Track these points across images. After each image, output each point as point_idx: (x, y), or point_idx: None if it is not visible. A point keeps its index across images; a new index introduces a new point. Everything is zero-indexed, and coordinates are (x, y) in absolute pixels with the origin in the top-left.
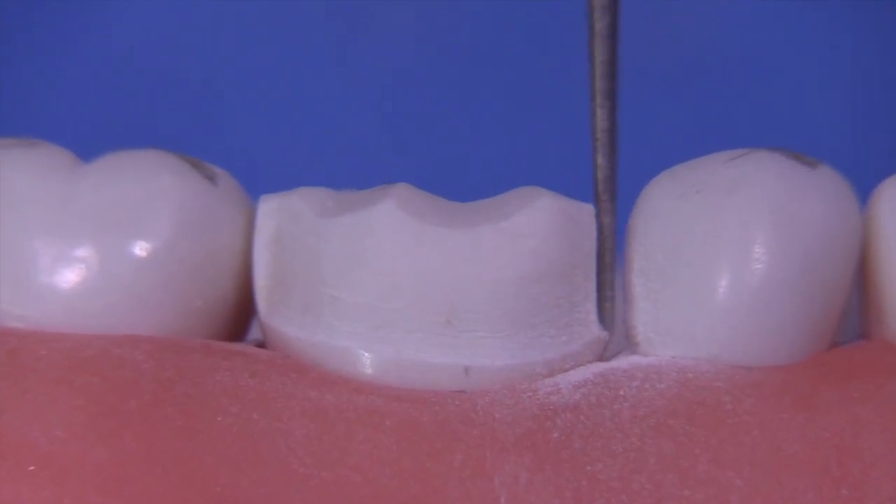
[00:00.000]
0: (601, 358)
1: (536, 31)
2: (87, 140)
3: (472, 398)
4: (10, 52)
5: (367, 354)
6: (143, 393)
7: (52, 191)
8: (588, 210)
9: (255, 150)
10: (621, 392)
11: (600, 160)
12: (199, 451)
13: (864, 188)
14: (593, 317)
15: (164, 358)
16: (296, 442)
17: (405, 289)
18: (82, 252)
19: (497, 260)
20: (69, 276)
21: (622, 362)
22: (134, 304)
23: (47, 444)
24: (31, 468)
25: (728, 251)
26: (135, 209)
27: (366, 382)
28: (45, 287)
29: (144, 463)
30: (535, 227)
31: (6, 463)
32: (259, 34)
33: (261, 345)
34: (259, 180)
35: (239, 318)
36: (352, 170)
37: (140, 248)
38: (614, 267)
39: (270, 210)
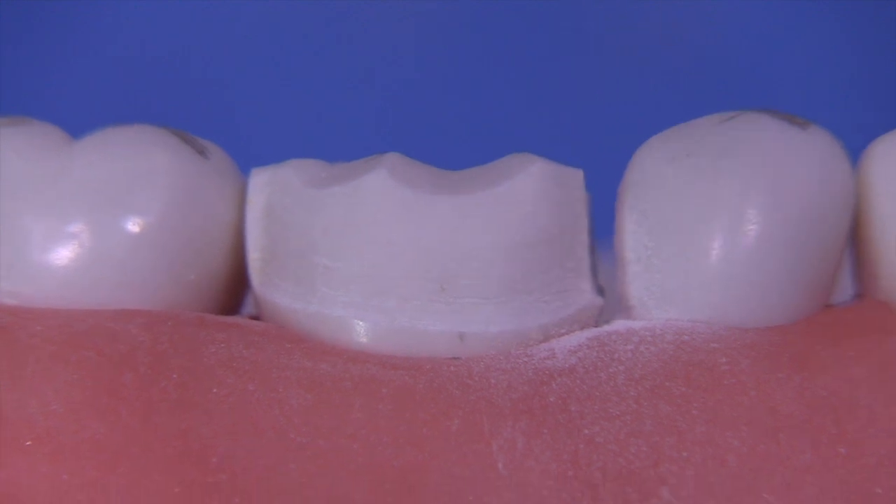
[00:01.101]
0: (596, 323)
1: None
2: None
3: (467, 364)
4: (10, 46)
5: (361, 323)
6: (138, 366)
7: (43, 168)
8: (578, 175)
9: (252, 136)
10: (617, 355)
11: None
12: (195, 423)
13: (854, 149)
14: (587, 282)
15: (158, 331)
16: (292, 411)
17: (398, 257)
18: (75, 228)
19: (490, 226)
20: (62, 253)
21: (617, 326)
22: (127, 279)
23: (44, 419)
24: (28, 443)
25: (721, 213)
26: (126, 184)
27: (361, 351)
28: (39, 264)
29: (142, 436)
30: (526, 193)
31: (3, 439)
32: (257, 23)
33: (256, 318)
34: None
35: (232, 291)
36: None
37: (132, 223)
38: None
39: (262, 182)
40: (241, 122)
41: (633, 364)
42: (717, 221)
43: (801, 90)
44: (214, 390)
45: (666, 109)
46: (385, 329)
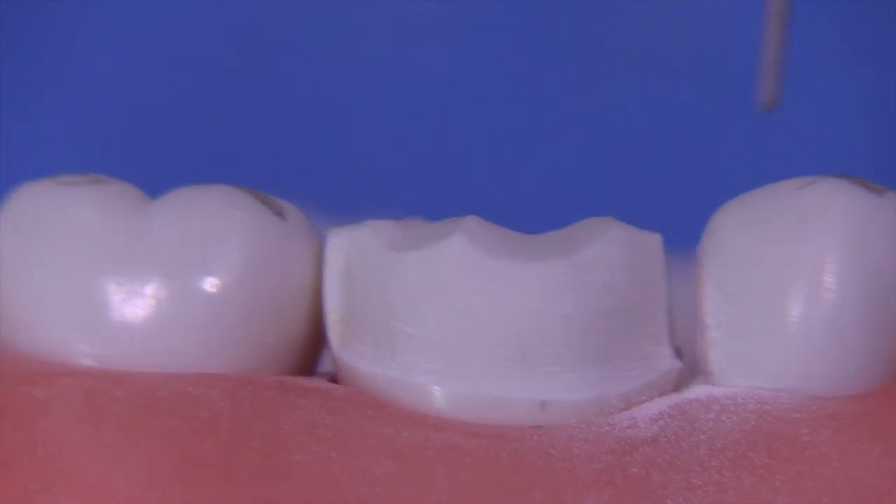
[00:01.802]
0: (675, 387)
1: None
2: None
3: (550, 433)
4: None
5: (442, 390)
6: (220, 433)
7: (121, 228)
8: (656, 240)
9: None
10: (698, 424)
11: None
12: (279, 492)
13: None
14: (667, 347)
15: (239, 396)
16: (375, 480)
17: (478, 324)
18: (153, 290)
19: (569, 294)
20: (141, 315)
21: (698, 393)
22: (206, 342)
23: (127, 488)
24: None
25: (800, 281)
26: (205, 246)
27: (442, 418)
28: (118, 326)
29: None
30: (605, 260)
31: None
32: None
33: (332, 378)
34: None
35: (309, 352)
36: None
37: (211, 285)
38: None
39: (340, 244)
40: (249, 129)
41: (714, 434)
42: (796, 288)
43: (802, 92)
44: (297, 458)
45: (668, 111)
46: (466, 396)
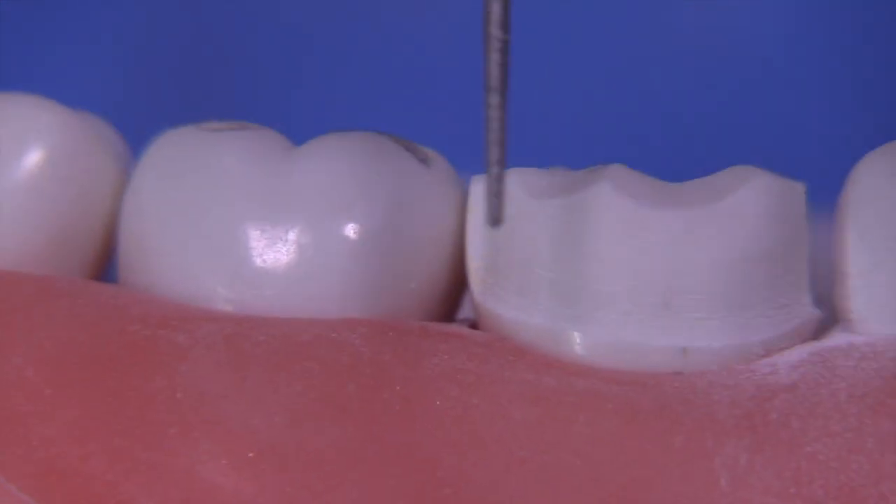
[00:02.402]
0: (815, 335)
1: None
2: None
3: (690, 379)
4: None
5: (584, 337)
6: (361, 377)
7: (265, 174)
8: (800, 189)
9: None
10: (838, 371)
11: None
12: (419, 436)
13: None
14: (807, 295)
15: (381, 341)
16: (516, 425)
17: (623, 271)
18: (296, 236)
19: (714, 241)
20: (284, 260)
21: (838, 341)
22: (349, 288)
23: (268, 430)
24: (251, 455)
25: None
26: (349, 192)
27: (583, 365)
28: (260, 271)
29: (366, 448)
30: (750, 207)
31: (227, 450)
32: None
33: (473, 324)
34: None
35: (450, 298)
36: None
37: (355, 231)
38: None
39: (483, 191)
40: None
41: (854, 381)
42: None
43: (802, 92)
44: (438, 402)
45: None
46: (608, 343)
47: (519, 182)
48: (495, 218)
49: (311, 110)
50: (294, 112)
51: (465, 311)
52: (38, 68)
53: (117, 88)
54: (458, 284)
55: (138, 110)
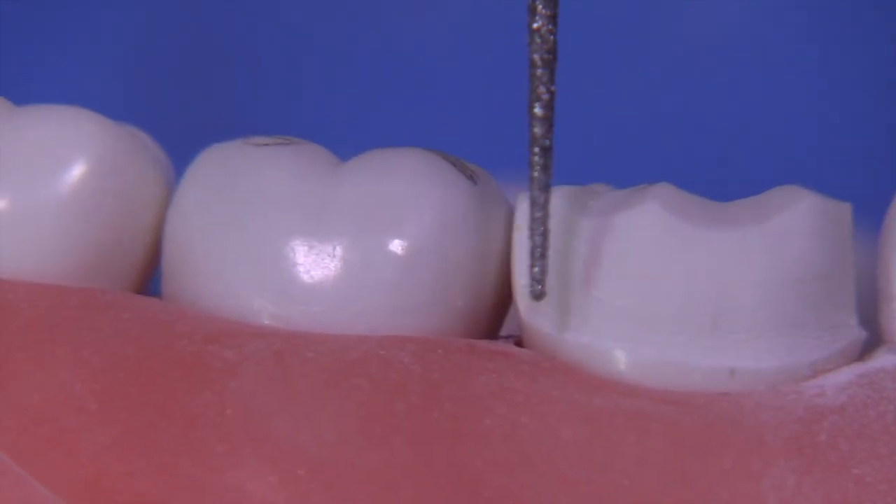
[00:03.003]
0: (860, 357)
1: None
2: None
3: (738, 400)
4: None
5: (632, 356)
6: (410, 395)
7: (312, 190)
8: (846, 208)
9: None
10: (886, 394)
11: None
12: (468, 455)
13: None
14: (854, 317)
15: (429, 359)
16: (565, 445)
17: (671, 291)
18: (345, 252)
19: (762, 262)
20: (332, 277)
21: (885, 362)
22: (397, 305)
23: (317, 448)
24: (301, 473)
25: None
26: (397, 209)
27: (631, 384)
28: (307, 287)
29: (415, 467)
30: (799, 228)
31: (276, 468)
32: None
33: (517, 341)
34: None
35: (495, 315)
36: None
37: (403, 248)
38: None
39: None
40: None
41: None
42: None
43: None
44: (487, 421)
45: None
46: (655, 363)
47: (566, 200)
48: (538, 294)
49: (311, 109)
50: (294, 112)
51: (507, 328)
52: (38, 68)
53: (117, 88)
54: (503, 301)
55: (138, 110)
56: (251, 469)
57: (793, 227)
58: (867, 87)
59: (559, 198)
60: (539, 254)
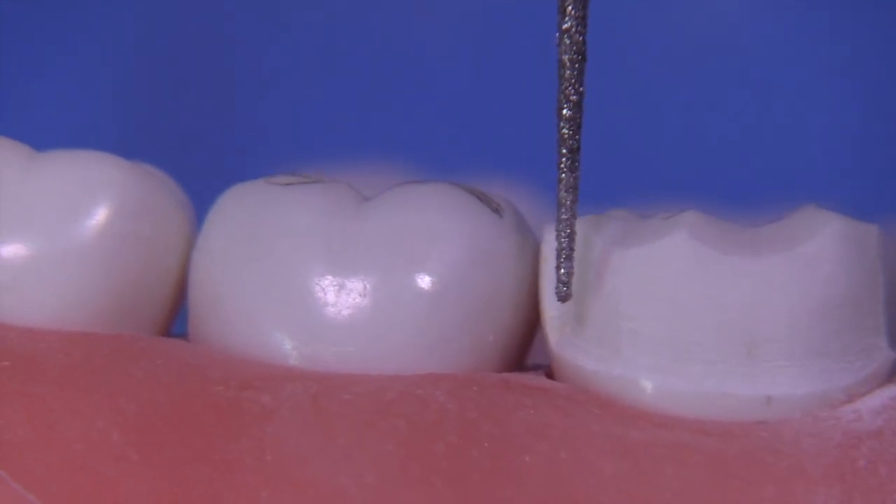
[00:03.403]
0: (890, 378)
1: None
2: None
3: (776, 429)
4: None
5: (667, 387)
6: (449, 434)
7: (339, 227)
8: (874, 231)
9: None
10: None
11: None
12: (509, 493)
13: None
14: (884, 339)
15: (465, 397)
16: (606, 480)
17: (704, 320)
18: (373, 290)
19: (793, 288)
20: (362, 315)
21: None
22: (427, 342)
23: (358, 490)
24: None
25: None
26: (425, 244)
27: (669, 416)
28: (338, 327)
29: None
30: (828, 253)
31: None
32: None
33: (547, 373)
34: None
35: (523, 348)
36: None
37: (432, 284)
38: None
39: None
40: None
41: None
42: None
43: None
44: (526, 459)
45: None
46: (691, 393)
47: (595, 231)
48: (563, 296)
49: (311, 112)
50: (294, 114)
51: (532, 357)
52: (38, 68)
53: (118, 88)
54: (530, 333)
55: (138, 110)
56: None
57: (821, 253)
58: (867, 87)
59: (586, 227)
60: (566, 256)
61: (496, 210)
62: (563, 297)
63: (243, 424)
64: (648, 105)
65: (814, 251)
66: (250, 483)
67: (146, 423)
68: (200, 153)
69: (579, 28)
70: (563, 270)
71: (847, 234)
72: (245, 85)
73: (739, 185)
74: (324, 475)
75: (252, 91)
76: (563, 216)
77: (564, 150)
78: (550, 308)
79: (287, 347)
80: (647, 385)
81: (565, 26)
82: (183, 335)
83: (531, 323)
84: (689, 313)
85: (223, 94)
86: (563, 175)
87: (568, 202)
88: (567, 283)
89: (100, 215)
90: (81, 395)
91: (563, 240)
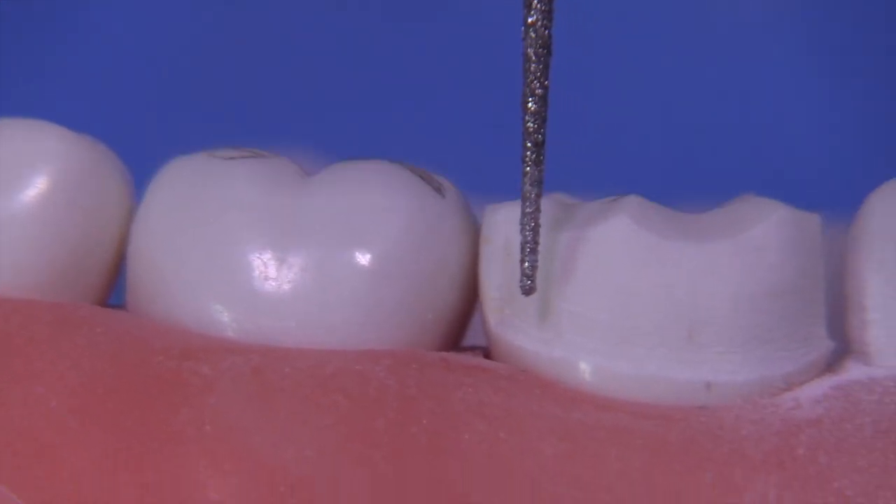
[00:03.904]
0: (827, 367)
1: None
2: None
3: (717, 414)
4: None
5: (608, 370)
6: (388, 411)
7: (281, 203)
8: (816, 220)
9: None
10: (861, 406)
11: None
12: (448, 471)
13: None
14: (824, 328)
15: (405, 374)
16: (546, 461)
17: (645, 304)
18: (315, 265)
19: (736, 274)
20: (302, 290)
21: (857, 374)
22: (369, 319)
23: (298, 465)
24: (283, 489)
25: None
26: (366, 222)
27: (609, 399)
28: (278, 301)
29: (396, 484)
30: (772, 241)
31: (259, 485)
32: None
33: (485, 353)
34: None
35: (459, 326)
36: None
37: (373, 261)
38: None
39: (498, 221)
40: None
41: (878, 416)
42: None
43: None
44: (466, 437)
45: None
46: (632, 377)
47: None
48: (527, 289)
49: (312, 115)
50: (294, 116)
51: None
52: (38, 68)
53: (117, 89)
54: (467, 314)
55: (138, 110)
56: (234, 486)
57: (765, 240)
58: (867, 87)
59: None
60: (530, 249)
61: (438, 189)
62: (526, 291)
63: (184, 395)
64: (616, 99)
65: (759, 238)
66: (190, 453)
67: (87, 390)
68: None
69: (545, 22)
70: (527, 264)
71: (791, 223)
72: (244, 85)
73: (704, 176)
74: (264, 448)
75: (249, 91)
76: (528, 209)
77: (529, 144)
78: (490, 289)
79: (226, 320)
80: (588, 367)
81: (531, 20)
82: (119, 306)
83: (470, 303)
84: (631, 297)
85: (223, 94)
86: (528, 168)
87: (532, 196)
88: (531, 277)
89: (41, 184)
90: (21, 361)
91: (527, 233)
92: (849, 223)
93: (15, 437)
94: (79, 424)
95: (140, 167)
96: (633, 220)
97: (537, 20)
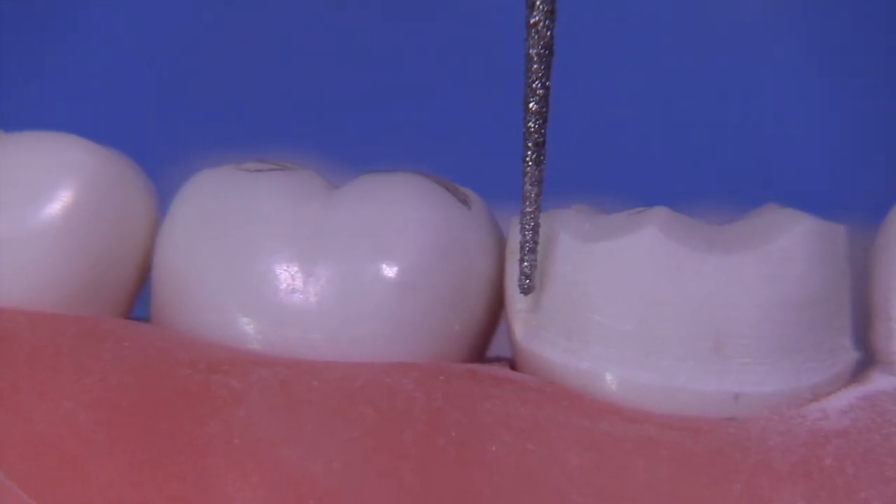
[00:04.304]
0: (853, 378)
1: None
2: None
3: (744, 425)
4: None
5: (635, 382)
6: (416, 423)
7: (307, 215)
8: (843, 231)
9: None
10: (888, 416)
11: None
12: (476, 483)
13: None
14: (850, 338)
15: (433, 386)
16: (573, 472)
17: (673, 316)
18: (341, 278)
19: (763, 286)
20: (328, 303)
21: (884, 384)
22: (395, 331)
23: (326, 478)
24: (310, 502)
25: None
26: (392, 234)
27: (637, 410)
28: (305, 313)
29: (423, 495)
30: (798, 251)
31: (287, 498)
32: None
33: (510, 365)
34: None
35: (486, 339)
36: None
37: (399, 274)
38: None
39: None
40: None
41: None
42: None
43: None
44: (493, 449)
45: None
46: (660, 388)
47: (561, 224)
48: (526, 288)
49: (312, 115)
50: (294, 116)
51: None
52: (38, 68)
53: (117, 89)
54: (493, 326)
55: (138, 110)
56: (262, 498)
57: (791, 251)
58: (867, 87)
59: (552, 220)
60: (529, 248)
61: (464, 201)
62: (525, 290)
63: (212, 408)
64: (616, 99)
65: (785, 249)
66: (218, 466)
67: (113, 404)
68: (200, 153)
69: (548, 22)
70: (525, 263)
71: (817, 234)
72: (243, 86)
73: (704, 176)
74: (292, 460)
75: (249, 91)
76: (528, 209)
77: (530, 144)
78: (517, 301)
79: (252, 332)
80: (615, 378)
81: (533, 20)
82: (143, 319)
83: (496, 314)
84: (659, 308)
85: (223, 94)
86: (529, 168)
87: (533, 195)
88: (530, 276)
89: (65, 197)
90: (48, 375)
91: (526, 232)
92: (850, 224)
93: (43, 452)
94: (106, 438)
95: (140, 167)
96: (662, 232)
97: (540, 21)
